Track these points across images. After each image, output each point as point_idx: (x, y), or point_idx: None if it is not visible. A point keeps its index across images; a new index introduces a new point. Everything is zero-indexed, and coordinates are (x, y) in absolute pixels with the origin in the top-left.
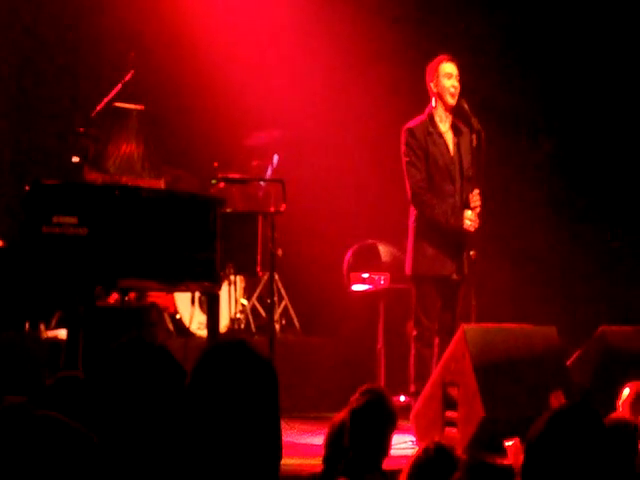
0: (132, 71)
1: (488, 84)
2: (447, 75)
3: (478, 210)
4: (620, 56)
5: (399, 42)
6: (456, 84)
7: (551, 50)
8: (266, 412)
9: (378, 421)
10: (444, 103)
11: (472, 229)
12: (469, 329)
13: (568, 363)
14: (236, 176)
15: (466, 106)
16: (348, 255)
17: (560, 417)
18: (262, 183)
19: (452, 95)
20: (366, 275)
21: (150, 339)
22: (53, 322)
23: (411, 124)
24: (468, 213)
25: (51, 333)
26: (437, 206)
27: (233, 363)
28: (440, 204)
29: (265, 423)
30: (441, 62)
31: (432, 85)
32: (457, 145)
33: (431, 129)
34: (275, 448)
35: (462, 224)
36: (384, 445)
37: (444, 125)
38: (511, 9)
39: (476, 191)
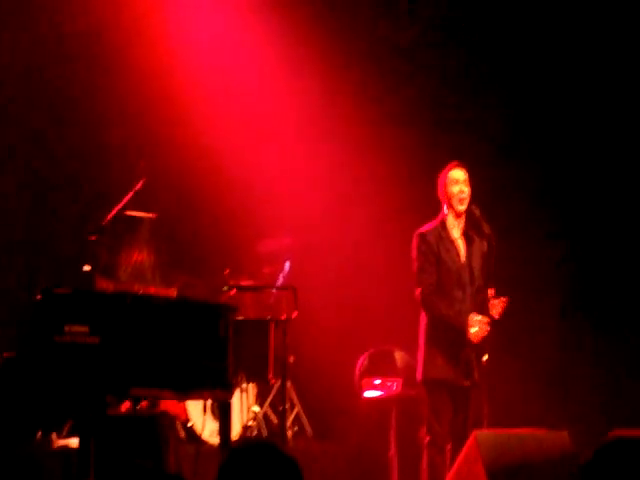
0: (143, 179)
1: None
2: (454, 181)
3: (496, 317)
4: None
5: (411, 144)
6: (464, 189)
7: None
8: None
9: None
10: (454, 209)
11: (476, 339)
12: (481, 435)
13: (581, 469)
14: (247, 283)
15: (477, 212)
16: (361, 360)
17: None
18: (274, 290)
19: (460, 201)
20: (378, 381)
21: (163, 447)
22: (65, 431)
23: (423, 229)
24: (477, 318)
25: (63, 442)
26: (446, 306)
27: (261, 462)
28: (449, 305)
29: None
30: (450, 169)
31: (442, 192)
32: (468, 252)
33: (443, 234)
34: None
35: (468, 330)
36: None
37: (456, 231)
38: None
39: (502, 299)
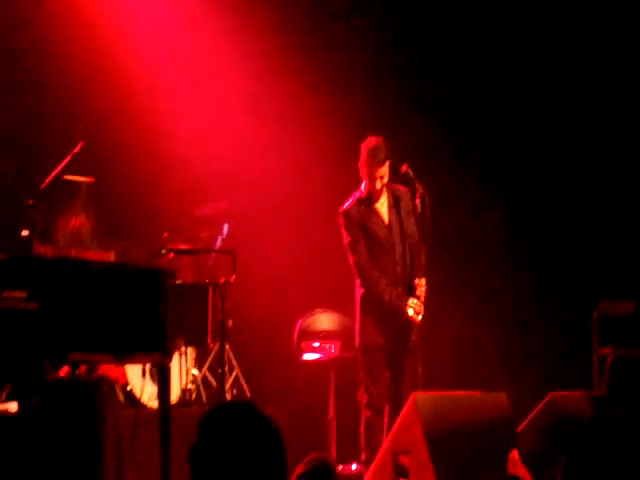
0: (81, 143)
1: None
2: (372, 178)
3: (422, 299)
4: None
5: (348, 108)
6: (382, 183)
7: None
8: (274, 474)
9: None
10: (373, 188)
11: (417, 319)
12: (420, 397)
13: (518, 429)
14: (186, 247)
15: (410, 172)
16: (298, 324)
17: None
18: (212, 253)
19: (381, 187)
20: (317, 344)
21: (101, 412)
22: (3, 396)
23: (345, 206)
24: (413, 301)
25: (1, 407)
26: (383, 284)
27: (240, 423)
28: (387, 283)
29: None
30: (369, 159)
31: (363, 170)
32: (396, 214)
33: (363, 206)
34: None
35: (405, 311)
36: None
37: (378, 199)
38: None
39: (423, 281)
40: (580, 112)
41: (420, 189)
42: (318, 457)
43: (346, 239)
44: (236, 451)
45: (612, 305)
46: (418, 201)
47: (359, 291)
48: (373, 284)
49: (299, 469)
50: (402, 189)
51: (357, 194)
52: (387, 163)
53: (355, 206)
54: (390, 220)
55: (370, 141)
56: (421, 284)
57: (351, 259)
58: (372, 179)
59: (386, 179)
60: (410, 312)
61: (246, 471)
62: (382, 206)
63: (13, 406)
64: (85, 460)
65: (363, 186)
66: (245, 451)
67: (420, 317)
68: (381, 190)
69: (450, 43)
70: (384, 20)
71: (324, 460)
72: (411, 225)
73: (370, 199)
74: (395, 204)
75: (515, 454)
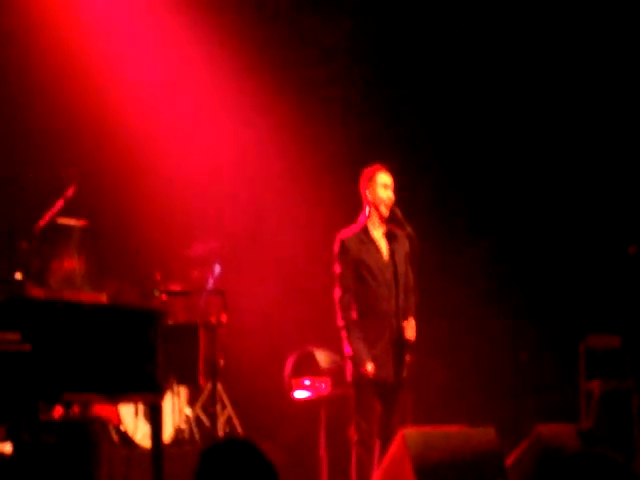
0: (73, 186)
1: (422, 187)
2: (384, 186)
3: (412, 340)
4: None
5: (339, 145)
6: (391, 195)
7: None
8: None
9: None
10: (378, 213)
11: (412, 338)
12: (409, 433)
13: (507, 463)
14: (177, 288)
15: (399, 213)
16: (289, 362)
17: None
18: (203, 294)
19: (387, 207)
20: (308, 382)
21: (94, 452)
22: None
23: (344, 234)
24: (410, 321)
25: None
26: (355, 335)
27: (238, 460)
28: (359, 335)
29: None
30: (378, 171)
31: (367, 193)
32: (391, 251)
33: (364, 237)
34: None
35: (365, 368)
36: None
37: (377, 232)
38: (447, 109)
39: (412, 322)
40: (561, 145)
41: (409, 230)
42: None
43: (337, 269)
44: None
45: (598, 339)
46: (407, 242)
47: None
48: (348, 326)
49: None
50: (396, 229)
51: (357, 223)
52: (393, 188)
53: (355, 236)
54: (387, 255)
55: (378, 166)
56: (411, 324)
57: (335, 293)
58: (381, 190)
59: (392, 197)
60: (408, 333)
61: None
62: (381, 239)
63: (7, 447)
64: None
65: (364, 214)
66: None
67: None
68: (383, 219)
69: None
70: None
71: None
72: (404, 265)
73: (370, 229)
74: (391, 241)
75: None
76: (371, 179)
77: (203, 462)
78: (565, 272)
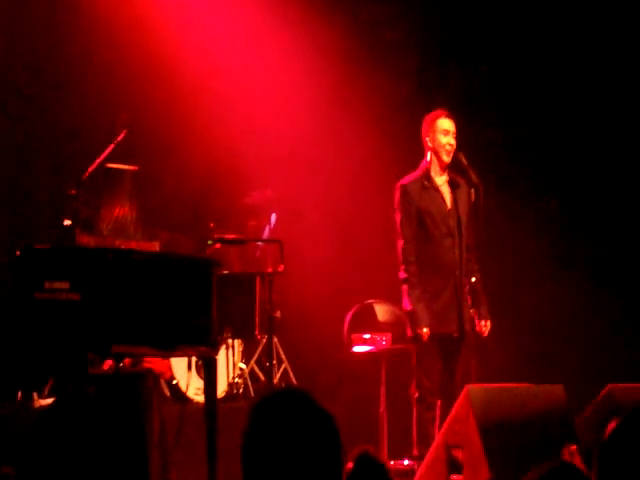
0: (125, 131)
1: (488, 142)
2: (444, 132)
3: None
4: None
5: (398, 100)
6: (452, 142)
7: (549, 106)
8: (329, 468)
9: None
10: (439, 159)
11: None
12: (473, 390)
13: (576, 422)
14: (233, 237)
15: (464, 160)
16: (348, 316)
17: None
18: (259, 243)
19: (448, 153)
20: (367, 336)
21: (146, 406)
22: (46, 390)
23: (405, 180)
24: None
25: (44, 402)
26: (416, 293)
27: (295, 411)
28: (420, 292)
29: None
30: (438, 117)
31: (428, 140)
32: (454, 199)
33: (426, 183)
34: None
35: (420, 329)
36: None
37: (440, 179)
38: (514, 65)
39: (488, 323)
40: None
41: (474, 178)
42: (363, 451)
43: (398, 217)
44: (291, 440)
45: None
46: (472, 191)
47: None
48: (409, 280)
49: (347, 466)
50: (459, 178)
51: (418, 170)
52: (455, 134)
53: (416, 181)
54: (451, 203)
55: (439, 111)
56: (486, 325)
57: (399, 243)
58: (442, 137)
59: (454, 143)
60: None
61: (301, 461)
62: (444, 186)
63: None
64: (129, 456)
65: (426, 160)
66: (300, 441)
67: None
68: (445, 166)
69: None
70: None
71: (369, 454)
72: (467, 215)
73: (433, 175)
74: (454, 190)
75: (573, 448)
76: (432, 125)
77: (255, 415)
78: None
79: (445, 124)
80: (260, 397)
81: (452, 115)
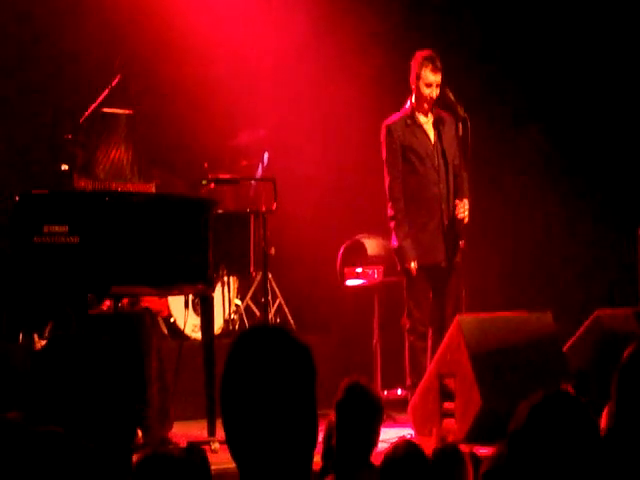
0: (119, 75)
1: (473, 75)
2: (427, 84)
3: (465, 221)
4: (605, 43)
5: (386, 36)
6: (435, 93)
7: (533, 36)
8: (304, 398)
9: (362, 413)
10: (422, 104)
11: (465, 219)
12: (464, 319)
13: (565, 348)
14: (226, 176)
15: (451, 95)
16: (341, 251)
17: (542, 407)
18: (253, 182)
19: (429, 102)
20: (360, 270)
21: (145, 344)
22: (46, 331)
23: (390, 120)
24: (463, 202)
25: (44, 343)
26: (404, 229)
27: (271, 347)
28: (407, 229)
29: (303, 409)
30: (424, 67)
31: (413, 84)
32: (439, 135)
33: (410, 121)
34: (312, 434)
35: (409, 264)
36: (371, 438)
37: (424, 117)
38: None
39: (465, 202)
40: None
41: (461, 112)
42: (355, 380)
43: (384, 155)
44: (265, 372)
45: None
46: (460, 124)
47: None
48: (396, 217)
49: (338, 394)
50: (445, 114)
51: (403, 109)
52: (441, 73)
53: (400, 120)
54: (435, 139)
55: (425, 51)
56: (463, 203)
57: (386, 180)
58: (424, 88)
59: (437, 92)
60: (460, 213)
61: (275, 392)
62: (428, 123)
63: None
64: (129, 393)
65: (411, 100)
66: (275, 372)
67: (466, 217)
68: (430, 104)
69: None
70: None
71: (361, 383)
72: (454, 149)
73: (417, 114)
74: (439, 126)
75: (569, 389)
76: (417, 73)
77: (232, 351)
78: (622, 156)
79: (430, 77)
80: (235, 336)
81: (438, 63)
